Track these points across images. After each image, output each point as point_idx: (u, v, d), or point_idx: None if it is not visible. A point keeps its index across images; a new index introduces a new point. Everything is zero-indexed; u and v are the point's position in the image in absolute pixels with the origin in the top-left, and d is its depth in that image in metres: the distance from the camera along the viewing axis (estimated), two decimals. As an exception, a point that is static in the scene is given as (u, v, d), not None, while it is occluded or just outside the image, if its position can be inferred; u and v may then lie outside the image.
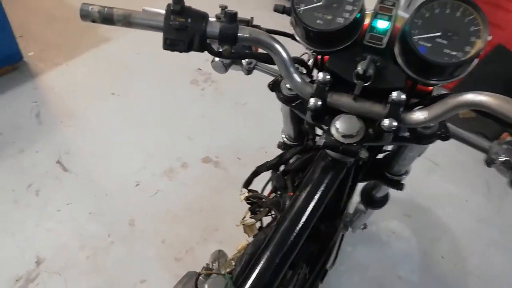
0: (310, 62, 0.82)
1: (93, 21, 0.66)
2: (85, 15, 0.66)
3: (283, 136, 1.04)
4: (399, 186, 1.00)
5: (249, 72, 0.87)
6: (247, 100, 2.55)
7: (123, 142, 2.25)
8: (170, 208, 1.96)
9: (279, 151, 1.00)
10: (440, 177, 2.27)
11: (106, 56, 2.81)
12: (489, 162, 0.78)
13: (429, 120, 0.63)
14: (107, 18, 0.65)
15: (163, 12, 0.63)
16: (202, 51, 0.67)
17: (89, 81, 2.62)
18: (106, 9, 0.65)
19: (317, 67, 0.82)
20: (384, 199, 1.21)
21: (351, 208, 1.46)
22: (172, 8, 0.62)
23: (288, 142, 1.03)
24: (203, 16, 0.65)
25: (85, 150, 2.20)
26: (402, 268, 1.87)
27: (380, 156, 0.97)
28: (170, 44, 0.64)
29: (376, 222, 2.05)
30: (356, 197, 1.39)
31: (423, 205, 2.15)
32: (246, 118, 2.44)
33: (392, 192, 1.17)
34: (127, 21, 0.65)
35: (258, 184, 0.97)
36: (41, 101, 2.45)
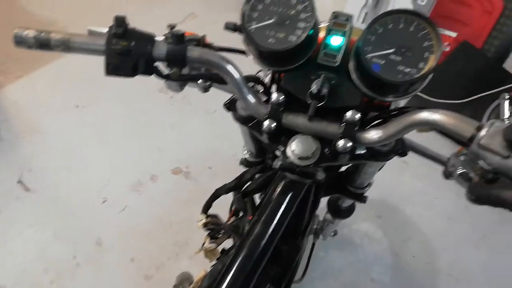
0: (267, 79, 0.80)
1: (29, 47, 0.62)
2: (20, 42, 0.61)
3: (245, 152, 1.02)
4: (362, 199, 0.99)
5: (205, 90, 0.84)
6: (216, 108, 2.50)
7: (88, 156, 2.17)
8: (139, 223, 1.90)
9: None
10: (410, 176, 2.30)
11: (69, 67, 2.70)
12: (447, 175, 0.78)
13: (384, 139, 0.62)
14: (44, 43, 0.61)
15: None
16: (149, 74, 0.64)
17: (52, 94, 2.51)
18: (42, 33, 0.61)
19: (275, 82, 0.80)
20: (351, 209, 1.21)
21: (319, 218, 1.45)
22: (113, 31, 0.59)
23: (250, 159, 1.01)
24: (149, 38, 0.61)
25: (49, 167, 2.11)
26: (375, 270, 1.88)
27: (343, 169, 0.96)
28: (113, 69, 0.60)
29: (348, 224, 2.05)
30: (324, 206, 1.40)
31: (394, 205, 2.17)
32: (216, 126, 2.39)
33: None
34: (66, 46, 0.61)
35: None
36: (1, 116, 2.34)
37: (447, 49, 2.70)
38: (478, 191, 0.53)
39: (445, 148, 1.52)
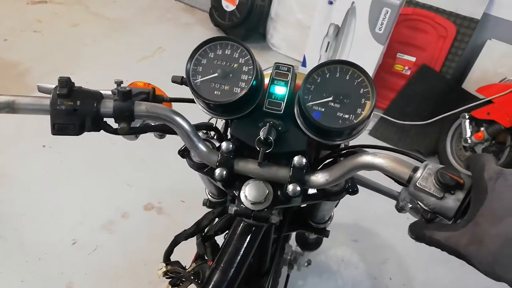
0: (221, 124, 0.82)
1: None
2: None
3: (207, 193, 1.03)
4: (324, 233, 1.00)
5: (161, 137, 0.85)
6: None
7: (56, 198, 2.12)
8: (111, 264, 1.86)
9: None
10: (381, 197, 2.33)
11: (35, 105, 2.68)
12: (399, 209, 0.80)
13: (331, 182, 0.64)
14: None
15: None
16: (97, 130, 0.64)
17: (18, 134, 2.46)
18: None
19: (229, 126, 0.82)
20: (319, 241, 1.22)
21: (292, 248, 1.45)
22: (58, 92, 0.60)
23: (213, 200, 1.01)
24: (95, 96, 0.62)
25: (15, 211, 2.04)
26: (353, 296, 1.88)
27: (302, 205, 0.98)
28: (58, 129, 0.61)
29: (325, 250, 2.06)
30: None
31: (368, 228, 2.20)
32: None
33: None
34: (11, 107, 0.62)
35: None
36: (-37, 161, 2.27)
37: (408, 72, 2.81)
38: (416, 230, 0.55)
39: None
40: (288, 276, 1.49)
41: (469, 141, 2.26)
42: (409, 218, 2.03)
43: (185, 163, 0.78)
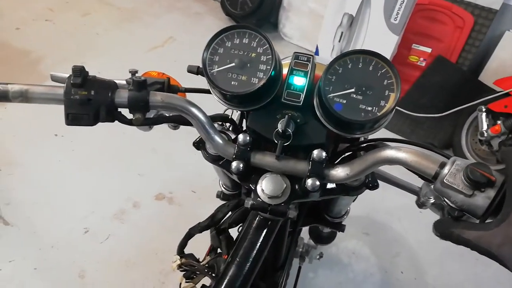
0: (236, 116, 0.80)
1: None
2: None
3: (221, 185, 1.01)
4: (340, 227, 0.99)
5: (175, 127, 0.84)
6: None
7: (68, 186, 2.13)
8: (123, 253, 1.87)
9: None
10: (394, 190, 2.30)
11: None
12: (420, 205, 0.78)
13: (351, 176, 0.62)
14: (2, 95, 0.60)
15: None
16: (112, 121, 0.63)
17: (30, 123, 2.48)
18: (0, 86, 0.60)
19: (245, 118, 0.80)
20: (332, 235, 1.21)
21: (304, 241, 1.44)
22: (72, 81, 0.58)
23: (227, 192, 1.00)
24: (109, 86, 0.61)
25: (28, 199, 2.06)
26: (364, 290, 1.87)
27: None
28: (72, 119, 0.60)
29: (336, 243, 2.04)
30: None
31: (380, 221, 2.18)
32: (198, 149, 2.38)
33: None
34: (25, 97, 0.60)
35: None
36: (-24, 149, 2.30)
37: (423, 64, 2.75)
38: (442, 228, 0.53)
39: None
40: (299, 268, 1.48)
41: (485, 134, 2.21)
42: (422, 212, 1.99)
43: (196, 154, 0.76)
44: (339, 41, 2.65)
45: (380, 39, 2.50)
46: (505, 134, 2.20)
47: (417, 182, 0.88)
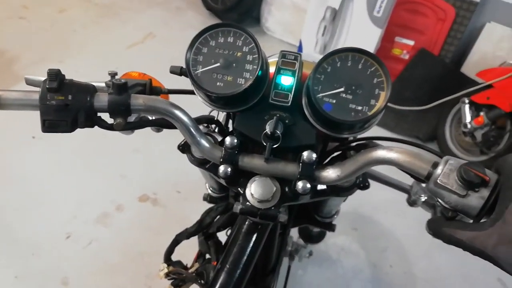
0: (222, 117, 0.77)
1: None
2: None
3: (207, 187, 0.98)
4: (330, 227, 0.97)
5: (159, 130, 0.80)
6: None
7: (48, 191, 2.06)
8: (107, 258, 1.82)
9: None
10: (379, 185, 2.31)
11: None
12: (411, 203, 0.77)
13: (342, 178, 0.60)
14: None
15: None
16: (91, 126, 0.59)
17: (6, 126, 2.38)
18: None
19: (231, 118, 0.77)
20: (322, 234, 1.19)
21: (293, 239, 1.43)
22: (47, 86, 0.54)
23: (214, 195, 0.97)
24: (88, 90, 0.57)
25: (6, 205, 1.98)
26: (354, 285, 1.87)
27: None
28: (49, 126, 0.55)
29: (324, 239, 2.03)
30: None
31: (368, 216, 2.18)
32: (182, 148, 2.34)
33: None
34: (-2, 103, 0.56)
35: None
36: (-50, 154, 2.20)
37: (406, 57, 2.76)
38: (435, 227, 0.52)
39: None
40: (289, 267, 1.47)
41: (469, 126, 2.23)
42: (409, 206, 1.99)
43: (179, 153, 0.73)
44: (323, 35, 2.63)
45: (364, 32, 2.50)
46: (488, 125, 2.23)
47: (408, 180, 0.87)
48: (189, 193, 2.10)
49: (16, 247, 1.83)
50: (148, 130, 0.84)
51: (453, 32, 2.67)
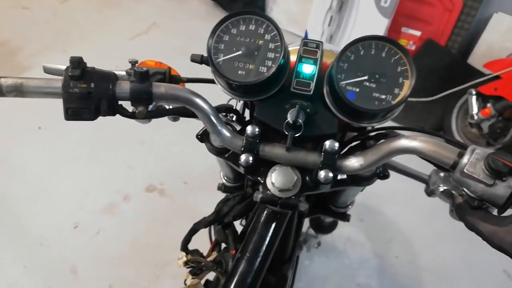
0: (239, 106, 0.77)
1: None
2: None
3: (222, 177, 0.98)
4: (345, 217, 0.97)
5: (175, 119, 0.80)
6: (189, 119, 2.44)
7: (55, 181, 2.07)
8: (115, 247, 1.83)
9: None
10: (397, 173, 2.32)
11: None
12: (430, 193, 0.77)
13: (365, 167, 0.59)
14: None
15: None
16: (113, 115, 0.59)
17: (11, 117, 2.38)
18: None
19: (248, 108, 0.77)
20: (334, 224, 1.19)
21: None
22: (70, 73, 0.53)
23: (228, 184, 0.97)
24: (110, 78, 0.56)
25: (13, 196, 1.99)
26: (360, 275, 1.88)
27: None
28: (72, 114, 0.55)
29: (330, 230, 2.05)
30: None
31: (374, 207, 2.18)
32: (189, 138, 2.32)
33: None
34: (20, 91, 0.56)
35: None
36: (-43, 145, 2.20)
37: (413, 48, 2.75)
38: (461, 214, 0.53)
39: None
40: (297, 258, 1.47)
41: (476, 117, 2.23)
42: (414, 197, 1.99)
43: (186, 145, 0.73)
44: (329, 25, 2.61)
45: (371, 22, 2.47)
46: (495, 116, 2.22)
47: (426, 170, 0.87)
48: (196, 184, 2.11)
49: (24, 237, 1.85)
50: (153, 121, 0.85)
51: (460, 22, 2.64)
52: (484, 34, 2.61)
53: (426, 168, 0.84)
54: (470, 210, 0.52)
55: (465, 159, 0.50)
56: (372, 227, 2.09)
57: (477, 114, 2.22)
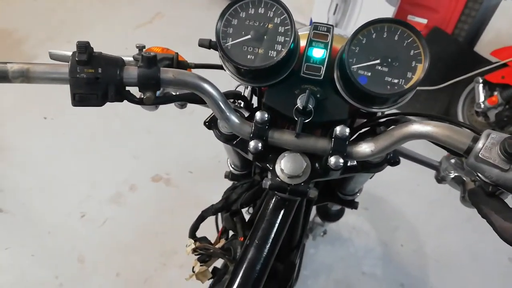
0: (247, 92, 0.76)
1: None
2: None
3: (229, 164, 0.98)
4: (353, 205, 0.97)
5: (182, 106, 0.79)
6: (194, 109, 2.43)
7: (62, 171, 2.08)
8: (121, 236, 1.84)
9: None
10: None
11: (33, 76, 2.59)
12: (440, 180, 0.76)
13: (376, 153, 0.59)
14: (0, 76, 0.54)
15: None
16: (120, 101, 0.58)
17: (18, 107, 2.39)
18: None
19: (255, 95, 0.76)
20: (340, 212, 1.19)
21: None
22: (77, 58, 0.53)
23: (236, 172, 0.96)
24: (117, 63, 0.56)
25: (21, 185, 2.01)
26: (365, 263, 1.89)
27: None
28: (80, 100, 0.54)
29: (336, 219, 2.05)
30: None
31: (379, 195, 2.18)
32: (194, 128, 2.32)
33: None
34: (26, 76, 0.55)
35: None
36: (-37, 136, 2.21)
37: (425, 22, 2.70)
38: (475, 200, 0.52)
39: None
40: (303, 245, 1.48)
41: (482, 106, 2.20)
42: (419, 185, 1.98)
43: (191, 134, 0.73)
44: (334, 14, 2.59)
45: (376, 10, 2.44)
46: (502, 105, 2.20)
47: (435, 156, 0.86)
48: (202, 173, 2.11)
49: (31, 226, 1.86)
50: (158, 111, 0.84)
51: (467, 10, 2.60)
52: (491, 22, 2.57)
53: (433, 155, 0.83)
54: (484, 196, 0.52)
55: (480, 144, 0.49)
56: (377, 215, 2.09)
57: (483, 102, 2.19)
